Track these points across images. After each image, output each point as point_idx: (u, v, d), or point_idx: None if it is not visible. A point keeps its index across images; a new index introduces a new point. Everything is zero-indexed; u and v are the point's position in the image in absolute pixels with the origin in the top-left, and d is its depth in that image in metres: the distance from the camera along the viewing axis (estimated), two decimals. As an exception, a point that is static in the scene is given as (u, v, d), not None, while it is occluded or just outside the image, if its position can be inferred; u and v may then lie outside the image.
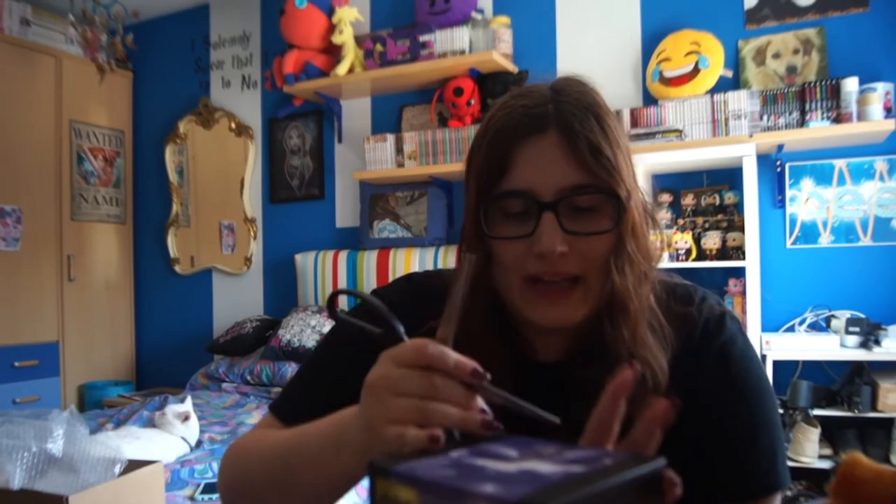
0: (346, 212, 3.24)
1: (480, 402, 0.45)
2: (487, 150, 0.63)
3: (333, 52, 3.03)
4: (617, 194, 0.60)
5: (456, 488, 0.32)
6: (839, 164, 2.38)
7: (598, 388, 0.59)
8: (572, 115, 0.61)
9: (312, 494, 0.58)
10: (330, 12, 3.01)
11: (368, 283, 2.94)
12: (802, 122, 2.27)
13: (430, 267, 2.78)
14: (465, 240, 0.67)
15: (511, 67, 2.78)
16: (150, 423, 2.10)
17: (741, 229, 2.29)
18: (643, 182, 2.43)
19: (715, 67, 2.41)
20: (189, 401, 2.11)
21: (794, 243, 2.43)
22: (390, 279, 2.85)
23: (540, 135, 0.61)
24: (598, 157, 0.60)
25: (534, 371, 0.66)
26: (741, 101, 2.31)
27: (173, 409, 2.04)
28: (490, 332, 0.65)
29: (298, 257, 3.19)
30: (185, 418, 2.01)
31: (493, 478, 0.33)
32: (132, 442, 1.82)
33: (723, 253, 2.32)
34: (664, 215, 2.46)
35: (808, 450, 2.10)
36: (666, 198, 2.51)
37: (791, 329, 2.39)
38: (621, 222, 0.61)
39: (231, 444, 0.71)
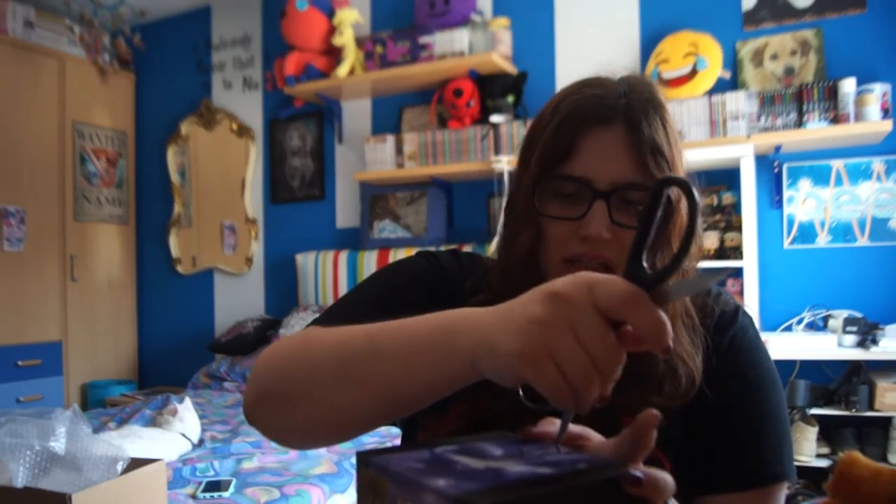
0: (346, 212, 3.26)
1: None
2: (555, 131, 0.64)
3: (334, 54, 3.05)
4: (668, 196, 0.62)
5: (413, 481, 0.34)
6: (837, 164, 2.39)
7: (623, 381, 0.62)
8: (642, 112, 0.63)
9: (390, 391, 0.49)
10: (330, 14, 3.02)
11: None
12: (800, 123, 2.28)
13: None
14: (514, 212, 0.69)
15: (510, 69, 2.79)
16: (152, 422, 2.12)
17: (739, 229, 2.29)
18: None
19: (713, 69, 2.41)
20: (188, 401, 2.13)
21: (791, 243, 2.44)
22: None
23: (607, 126, 0.63)
24: (659, 158, 0.62)
25: None
26: (739, 102, 2.32)
27: (168, 408, 2.06)
28: None
29: (299, 257, 3.20)
30: (174, 412, 2.03)
31: (454, 474, 0.35)
32: (134, 441, 1.83)
33: (721, 253, 2.33)
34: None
35: (806, 448, 2.11)
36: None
37: (789, 329, 2.40)
38: (668, 222, 0.63)
39: (269, 349, 0.60)
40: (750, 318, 0.71)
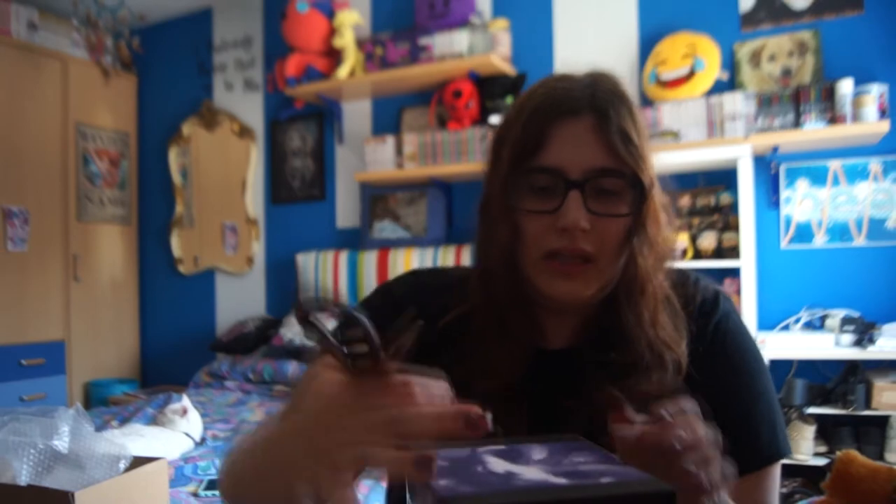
0: (346, 212, 3.27)
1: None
2: (525, 125, 0.65)
3: (334, 55, 3.06)
4: (641, 181, 0.63)
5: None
6: (834, 165, 2.39)
7: (608, 371, 0.62)
8: (608, 101, 0.64)
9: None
10: (331, 16, 3.03)
11: (368, 283, 2.97)
12: (797, 124, 2.29)
13: (429, 267, 2.81)
14: (488, 213, 0.69)
15: (509, 70, 2.80)
16: (154, 421, 2.13)
17: (737, 230, 2.30)
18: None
19: (711, 70, 2.42)
20: (185, 398, 2.15)
21: (789, 244, 2.45)
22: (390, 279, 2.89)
23: (576, 116, 0.63)
24: (628, 144, 0.63)
25: (545, 358, 0.69)
26: (737, 103, 2.33)
27: (171, 407, 2.07)
28: (512, 310, 0.66)
29: (300, 257, 3.22)
30: (184, 412, 2.04)
31: (467, 475, 0.36)
32: (136, 439, 1.85)
33: (718, 253, 2.34)
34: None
35: (804, 447, 2.12)
36: (662, 199, 2.52)
37: (786, 328, 2.40)
38: (642, 208, 0.64)
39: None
40: (731, 302, 0.72)
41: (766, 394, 0.68)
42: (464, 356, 0.65)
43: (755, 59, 2.48)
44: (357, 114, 3.24)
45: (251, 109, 3.52)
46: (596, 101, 0.64)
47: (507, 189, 0.64)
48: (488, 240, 0.68)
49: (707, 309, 0.69)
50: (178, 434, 2.00)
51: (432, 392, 0.39)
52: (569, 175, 0.62)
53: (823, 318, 2.34)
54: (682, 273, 0.73)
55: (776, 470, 0.67)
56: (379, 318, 0.71)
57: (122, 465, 1.28)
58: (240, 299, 3.53)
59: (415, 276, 0.78)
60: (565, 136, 0.63)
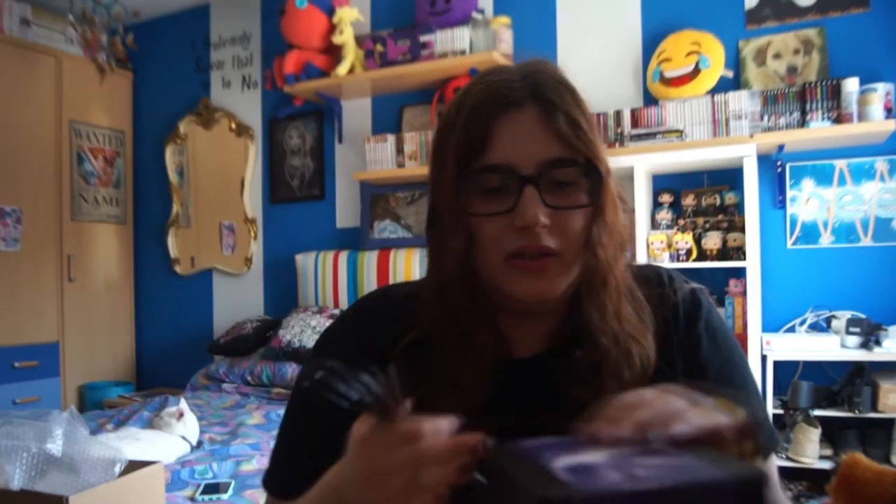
0: (346, 212, 3.24)
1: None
2: (465, 125, 0.61)
3: (334, 53, 3.03)
4: (597, 168, 0.60)
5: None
6: (840, 164, 2.38)
7: (579, 374, 0.61)
8: (551, 89, 0.61)
9: None
10: (330, 12, 3.00)
11: (369, 283, 2.94)
12: (803, 123, 2.27)
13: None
14: (438, 222, 0.65)
15: (511, 68, 2.78)
16: (151, 424, 2.10)
17: (742, 230, 2.28)
18: (644, 182, 2.43)
19: (715, 68, 2.40)
20: (182, 401, 2.12)
21: (794, 244, 2.43)
22: (390, 280, 2.87)
23: (518, 109, 0.60)
24: (577, 130, 0.60)
25: (514, 368, 0.66)
26: (742, 102, 2.31)
27: (168, 410, 2.05)
28: (474, 323, 0.64)
29: (299, 258, 3.19)
30: (180, 415, 2.01)
31: (583, 473, 0.40)
32: (132, 443, 1.82)
33: (723, 253, 2.32)
34: (665, 215, 2.46)
35: (809, 450, 2.10)
36: (666, 198, 2.50)
37: (792, 329, 2.39)
38: (600, 197, 0.61)
39: None
40: (706, 295, 0.70)
41: (754, 382, 0.69)
42: (426, 376, 0.62)
43: (760, 56, 2.46)
44: (357, 112, 3.21)
45: (249, 107, 3.49)
46: (538, 89, 0.61)
47: (457, 194, 0.61)
48: (441, 250, 0.64)
49: (689, 310, 0.68)
50: (174, 438, 1.98)
51: (442, 428, 0.48)
52: (521, 171, 0.59)
53: (829, 320, 2.32)
54: (655, 270, 0.71)
55: (773, 459, 0.69)
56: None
57: (118, 469, 1.26)
58: (238, 300, 3.49)
59: (359, 312, 0.74)
60: (511, 131, 0.60)
